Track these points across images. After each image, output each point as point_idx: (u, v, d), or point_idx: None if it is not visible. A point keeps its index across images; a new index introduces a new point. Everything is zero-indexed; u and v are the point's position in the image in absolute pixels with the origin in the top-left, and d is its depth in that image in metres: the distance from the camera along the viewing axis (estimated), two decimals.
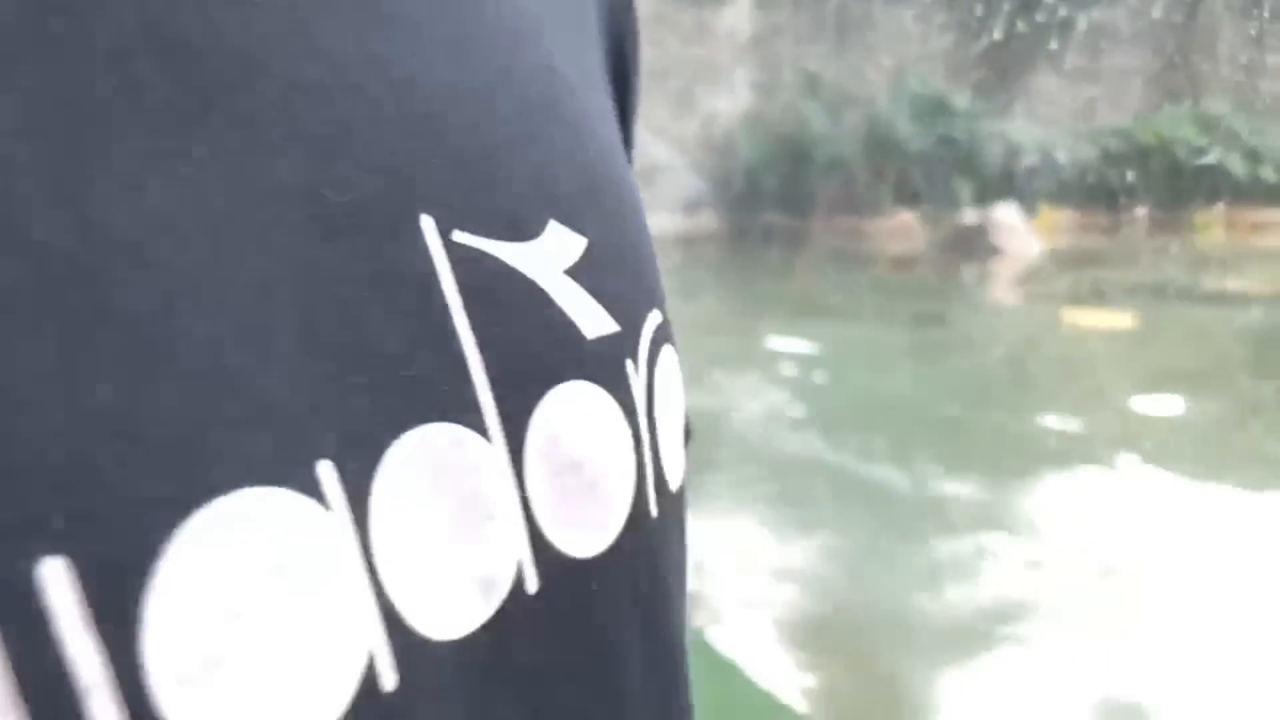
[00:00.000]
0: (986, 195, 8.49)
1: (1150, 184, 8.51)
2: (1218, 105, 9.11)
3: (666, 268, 0.22)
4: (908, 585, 1.46)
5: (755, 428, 2.35)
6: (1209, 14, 9.18)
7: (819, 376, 2.91)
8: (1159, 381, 2.63)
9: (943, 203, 8.34)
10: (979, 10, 9.40)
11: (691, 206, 8.26)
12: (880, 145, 8.68)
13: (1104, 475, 2.04)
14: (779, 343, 3.71)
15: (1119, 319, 3.56)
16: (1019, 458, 2.06)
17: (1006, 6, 9.36)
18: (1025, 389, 2.52)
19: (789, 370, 3.07)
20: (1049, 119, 9.51)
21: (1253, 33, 9.22)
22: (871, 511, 1.82)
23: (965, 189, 8.19)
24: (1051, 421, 2.26)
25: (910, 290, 5.07)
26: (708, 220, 8.28)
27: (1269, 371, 2.74)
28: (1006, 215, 6.45)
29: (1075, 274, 5.39)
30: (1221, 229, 8.21)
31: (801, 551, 1.64)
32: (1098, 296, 4.23)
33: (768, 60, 8.99)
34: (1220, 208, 8.43)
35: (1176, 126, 8.57)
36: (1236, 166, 8.32)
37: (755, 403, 2.65)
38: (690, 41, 7.94)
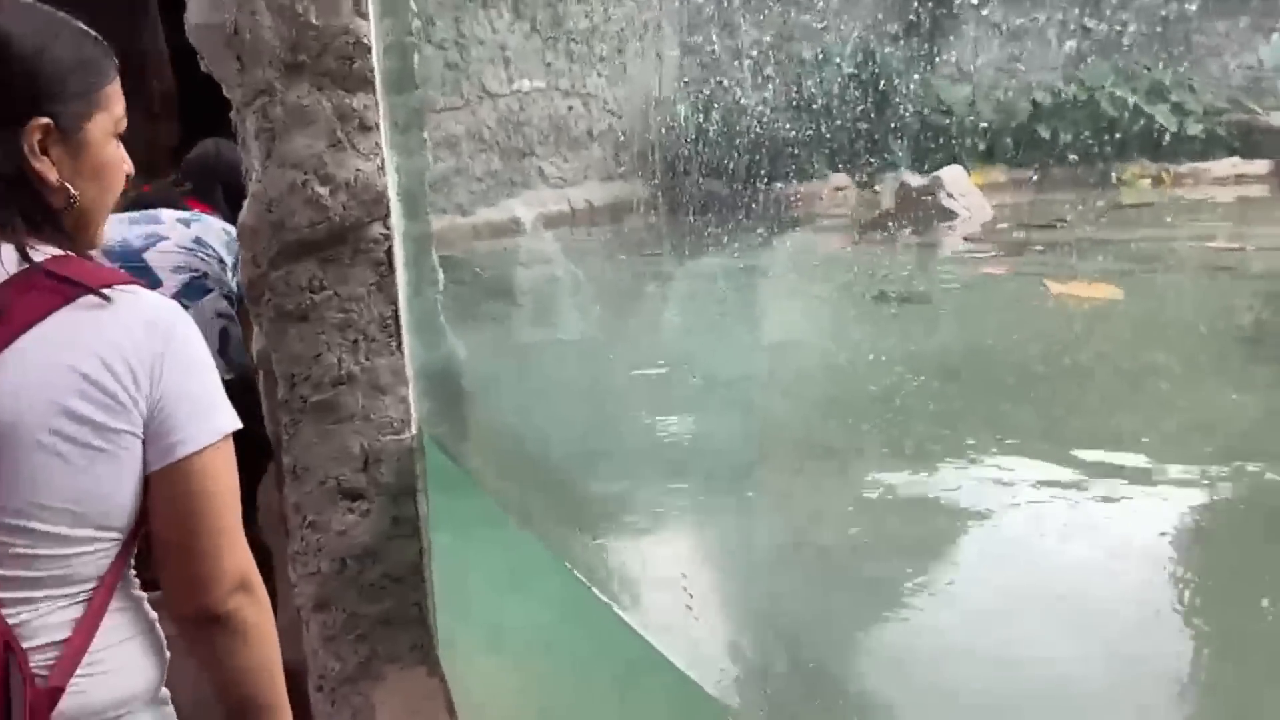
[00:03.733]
0: (918, 155, 8.36)
1: (1079, 139, 8.51)
2: (1140, 57, 9.16)
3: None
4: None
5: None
6: None
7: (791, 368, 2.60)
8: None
9: (876, 165, 8.17)
10: None
11: (624, 174, 7.90)
12: (810, 107, 8.45)
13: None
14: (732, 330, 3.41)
15: (1107, 289, 3.36)
16: None
17: None
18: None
19: (758, 358, 2.76)
20: (975, 76, 9.45)
21: None
22: None
23: (901, 150, 8.03)
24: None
25: (872, 261, 4.83)
26: (642, 188, 7.93)
27: None
28: (956, 176, 6.26)
29: (1032, 239, 5.23)
30: (1149, 183, 8.27)
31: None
32: (1070, 265, 4.05)
33: (695, 20, 8.64)
34: (1146, 162, 8.51)
35: (1101, 79, 8.58)
36: (1165, 119, 8.37)
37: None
38: (616, 1, 7.54)
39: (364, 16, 1.50)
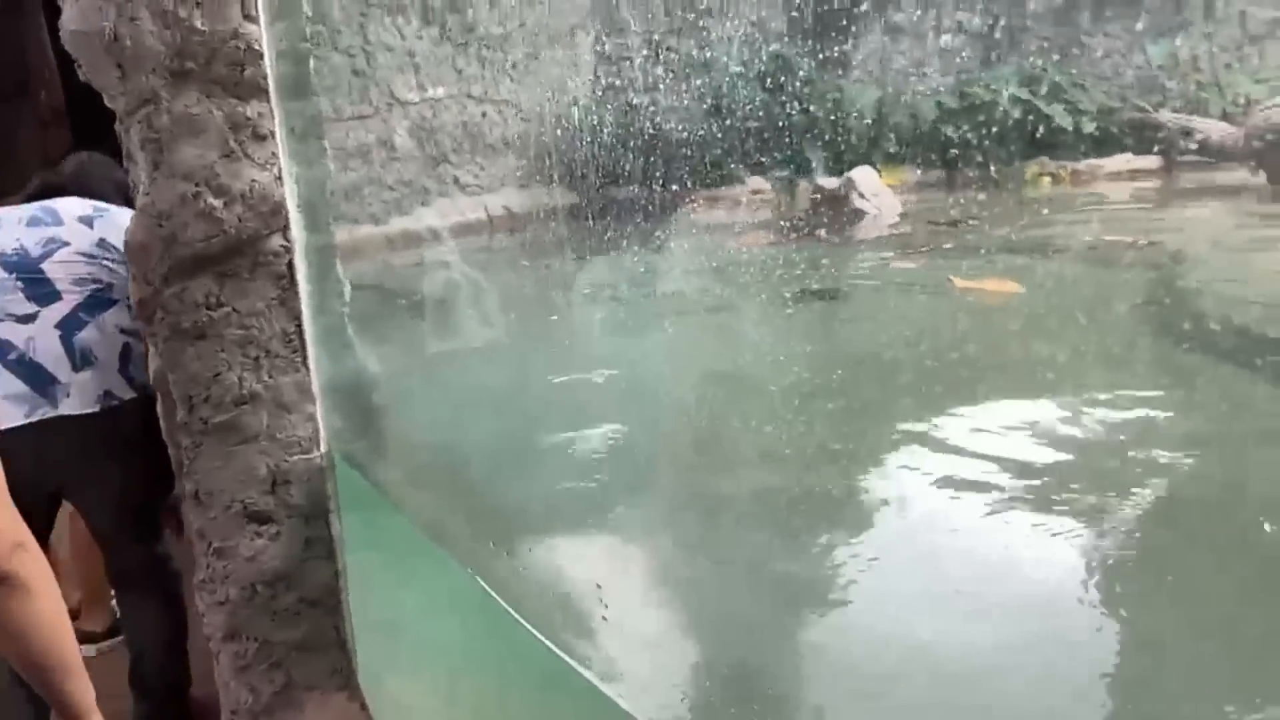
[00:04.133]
0: (831, 158, 8.52)
1: (983, 139, 8.79)
2: (1038, 60, 9.51)
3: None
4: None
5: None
6: None
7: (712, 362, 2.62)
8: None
9: (792, 168, 8.29)
10: None
11: (541, 180, 7.84)
12: (725, 113, 8.54)
13: None
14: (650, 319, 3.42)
15: (1007, 284, 3.48)
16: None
17: None
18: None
19: (670, 360, 2.76)
20: (882, 80, 9.68)
21: None
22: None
23: (814, 153, 8.16)
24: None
25: (787, 262, 4.89)
26: (558, 195, 7.88)
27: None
28: (867, 177, 6.39)
29: (939, 235, 5.37)
30: (1049, 180, 8.59)
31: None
32: (978, 260, 4.18)
33: (609, 26, 8.64)
34: (1045, 160, 8.83)
35: (1002, 82, 8.89)
36: (1063, 119, 8.70)
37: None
38: (528, 5, 7.48)
39: (254, 21, 1.44)
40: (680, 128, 8.26)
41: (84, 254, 2.12)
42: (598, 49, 8.73)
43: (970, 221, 5.87)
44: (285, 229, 1.54)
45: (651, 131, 8.24)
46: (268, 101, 1.49)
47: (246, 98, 1.47)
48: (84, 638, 2.75)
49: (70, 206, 2.18)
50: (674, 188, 7.83)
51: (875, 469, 1.78)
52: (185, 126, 1.43)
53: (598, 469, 1.73)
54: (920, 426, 1.96)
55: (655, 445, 1.84)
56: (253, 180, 1.49)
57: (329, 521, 1.72)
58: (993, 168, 8.77)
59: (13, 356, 2.00)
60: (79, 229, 2.14)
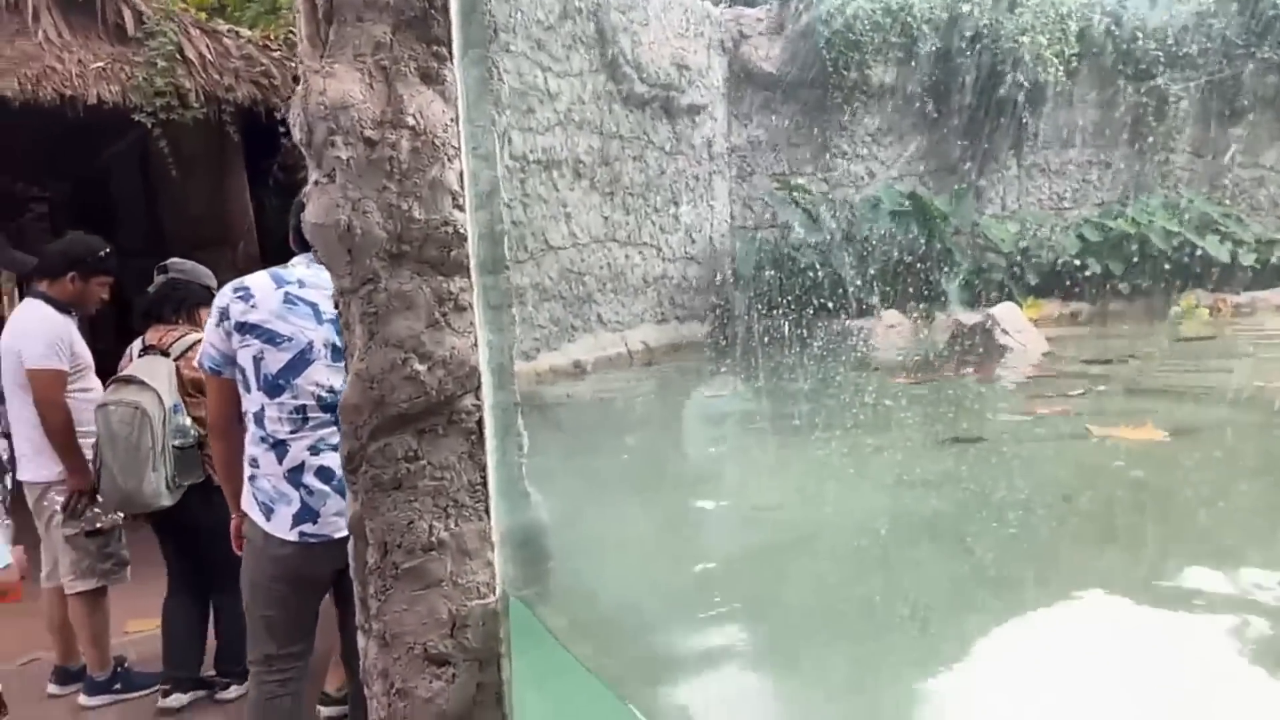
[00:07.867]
0: (969, 291, 8.46)
1: (1130, 272, 8.54)
2: (1182, 191, 9.27)
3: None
4: None
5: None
6: (1170, 108, 9.42)
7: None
8: None
9: (929, 301, 8.27)
10: (943, 111, 9.58)
11: (681, 315, 8.09)
12: (860, 246, 8.65)
13: None
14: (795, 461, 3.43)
15: (1150, 432, 3.34)
16: None
17: (968, 103, 9.56)
18: None
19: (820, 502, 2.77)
20: (1018, 214, 9.62)
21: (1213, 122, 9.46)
22: None
23: (952, 286, 8.13)
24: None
25: (930, 400, 4.83)
26: (696, 328, 8.10)
27: None
28: (1010, 313, 6.31)
29: (1085, 375, 5.19)
30: (1206, 313, 8.22)
31: None
32: (1130, 403, 4.02)
33: (744, 170, 9.02)
34: (1201, 293, 8.48)
35: (1149, 214, 8.68)
36: (1218, 251, 8.39)
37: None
38: (670, 154, 7.92)
39: (461, 209, 1.64)
40: (814, 262, 8.42)
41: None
42: (732, 190, 9.09)
43: (1122, 360, 5.66)
44: (477, 389, 1.69)
45: (784, 267, 8.42)
46: (469, 277, 1.67)
47: (451, 274, 1.65)
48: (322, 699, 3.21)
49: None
50: (808, 322, 7.92)
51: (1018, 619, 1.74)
52: (399, 302, 1.62)
53: (768, 613, 1.76)
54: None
55: (827, 593, 1.86)
56: (453, 347, 1.65)
57: (500, 665, 1.80)
58: (1144, 300, 8.47)
59: (335, 482, 2.43)
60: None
